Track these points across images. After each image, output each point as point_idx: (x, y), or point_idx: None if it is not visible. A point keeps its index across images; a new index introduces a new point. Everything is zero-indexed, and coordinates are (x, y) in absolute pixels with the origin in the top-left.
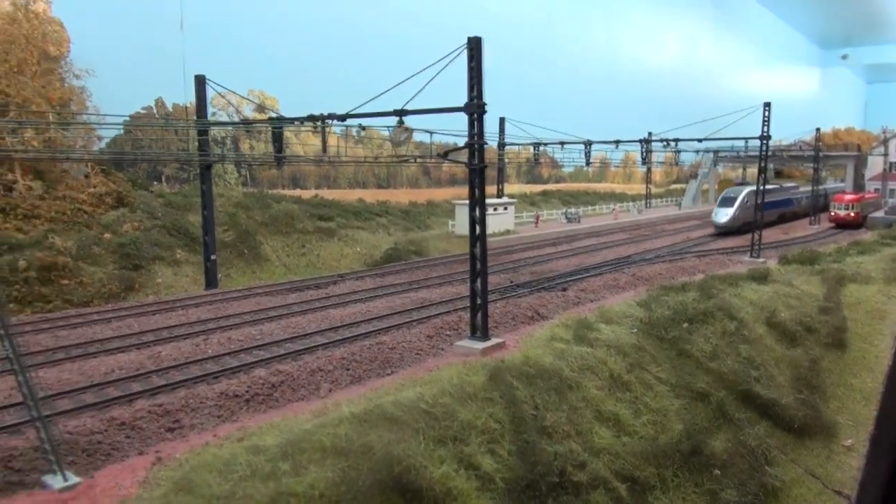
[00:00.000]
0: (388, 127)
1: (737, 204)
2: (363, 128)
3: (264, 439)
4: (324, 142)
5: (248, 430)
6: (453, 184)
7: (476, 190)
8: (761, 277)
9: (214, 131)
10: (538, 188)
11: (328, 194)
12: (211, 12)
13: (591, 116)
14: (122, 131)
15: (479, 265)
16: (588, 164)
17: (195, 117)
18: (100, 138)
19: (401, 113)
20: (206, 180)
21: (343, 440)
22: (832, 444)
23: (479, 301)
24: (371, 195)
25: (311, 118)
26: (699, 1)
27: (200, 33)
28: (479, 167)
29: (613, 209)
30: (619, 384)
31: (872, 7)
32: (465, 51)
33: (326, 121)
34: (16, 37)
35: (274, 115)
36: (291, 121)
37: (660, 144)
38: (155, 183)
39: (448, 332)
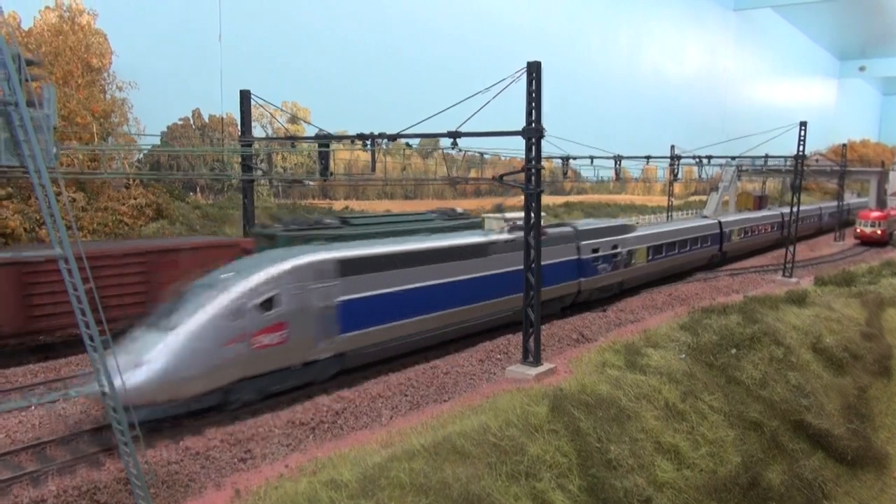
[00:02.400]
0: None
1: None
2: (409, 146)
3: (340, 473)
4: (373, 160)
5: (319, 461)
6: (478, 195)
7: (532, 214)
8: (800, 300)
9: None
10: (560, 199)
11: (357, 205)
12: (250, 24)
13: (614, 127)
14: (159, 142)
15: (532, 291)
16: (618, 177)
17: (238, 130)
18: (140, 150)
19: (455, 135)
20: (247, 195)
21: (420, 476)
22: (884, 476)
23: (531, 326)
24: (398, 206)
25: (361, 136)
26: (720, 13)
27: (238, 45)
28: (536, 192)
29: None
30: (674, 413)
31: (891, 20)
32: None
33: (377, 140)
34: (62, 49)
35: (307, 126)
36: (339, 138)
37: (689, 159)
38: (191, 194)
39: (498, 356)
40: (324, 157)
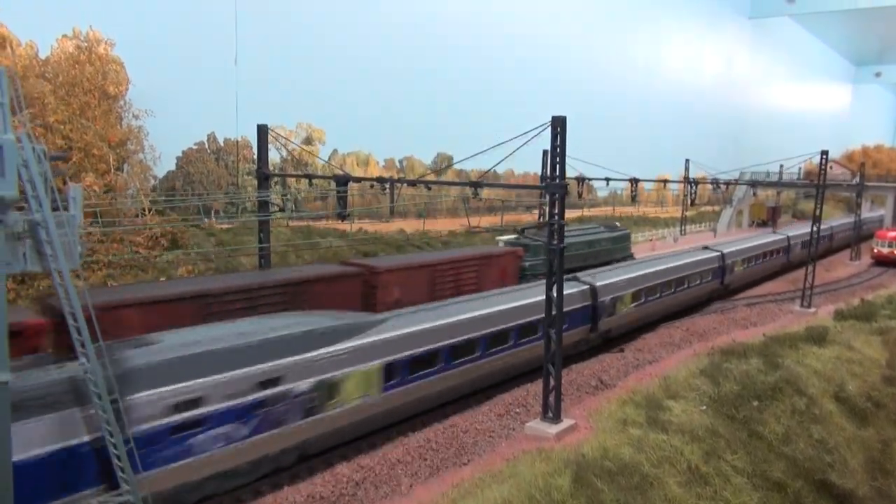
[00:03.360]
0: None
1: None
2: (429, 188)
3: None
4: (392, 201)
5: None
6: (491, 211)
7: (554, 269)
8: (820, 338)
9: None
10: (574, 213)
11: (370, 226)
12: (265, 47)
13: (631, 135)
14: (174, 166)
15: (553, 346)
16: (634, 199)
17: (252, 153)
18: (155, 178)
19: (476, 184)
20: (264, 229)
21: None
22: None
23: (552, 382)
24: (410, 225)
25: (380, 180)
26: (736, 21)
27: (253, 68)
28: (559, 248)
29: (651, 239)
30: (697, 477)
31: None
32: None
33: (396, 183)
34: (79, 80)
35: (321, 146)
36: (358, 179)
37: (705, 180)
38: (205, 220)
39: (517, 410)
40: (341, 197)
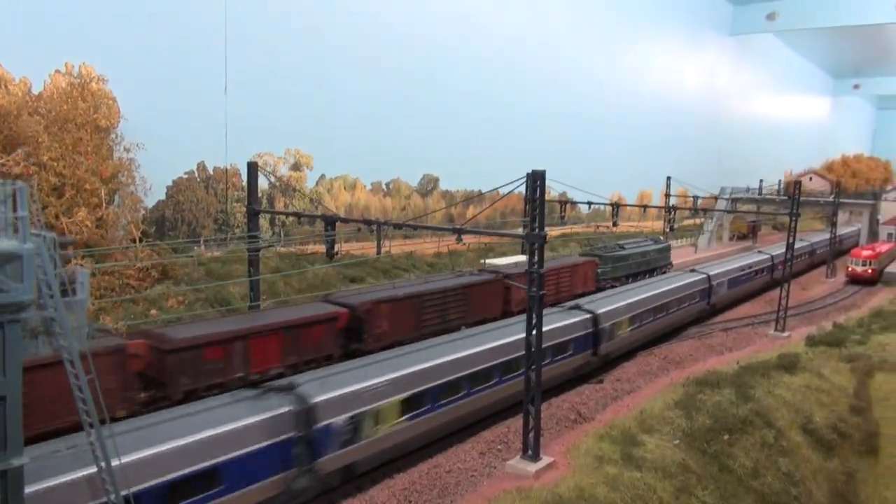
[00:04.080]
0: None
1: None
2: (414, 228)
3: None
4: (378, 245)
5: None
6: (477, 233)
7: (534, 316)
8: (791, 366)
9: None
10: (557, 231)
11: (357, 248)
12: (254, 76)
13: (615, 150)
14: (164, 196)
15: (532, 386)
16: (615, 224)
17: (242, 180)
18: (145, 208)
19: (459, 231)
20: (254, 264)
21: None
22: None
23: (531, 422)
24: (396, 247)
25: (367, 221)
26: (719, 37)
27: (243, 96)
28: (538, 295)
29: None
30: None
31: (883, 41)
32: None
33: (382, 225)
34: (72, 116)
35: (308, 172)
36: (346, 220)
37: (685, 199)
38: (194, 248)
39: (499, 447)
40: (329, 239)
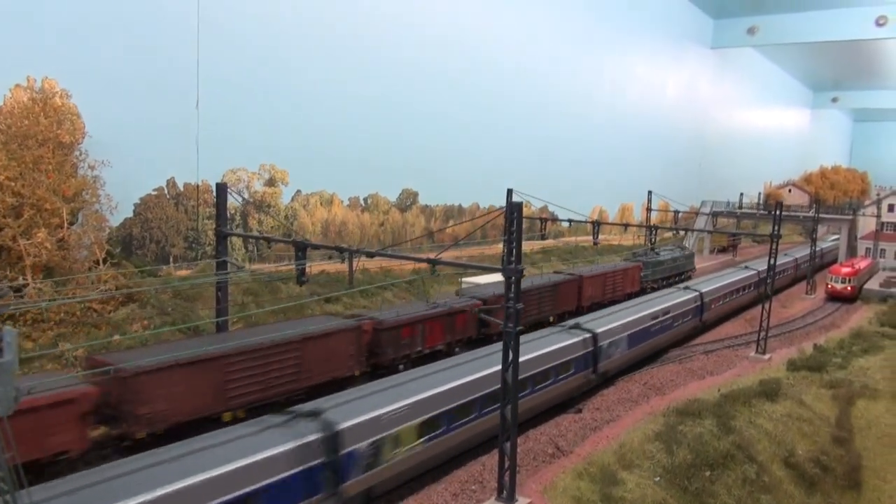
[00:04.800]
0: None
1: None
2: (389, 254)
3: None
4: (350, 273)
5: None
6: (457, 247)
7: (510, 353)
8: (772, 393)
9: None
10: (538, 245)
11: (331, 267)
12: (227, 89)
13: (597, 163)
14: (131, 213)
15: (508, 426)
16: (595, 243)
17: (213, 197)
18: (110, 228)
19: (432, 262)
20: (222, 289)
21: None
22: None
23: (507, 462)
24: (375, 263)
25: (338, 248)
26: (700, 50)
27: (215, 110)
28: (514, 331)
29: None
30: None
31: (861, 56)
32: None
33: (354, 253)
34: (33, 132)
35: (284, 187)
36: (316, 246)
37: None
38: (163, 267)
39: (473, 487)
40: (300, 265)
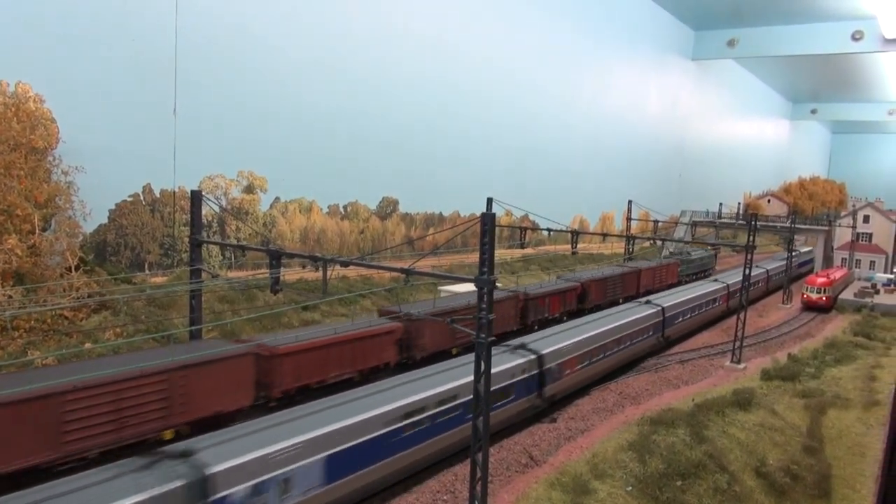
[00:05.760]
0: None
1: None
2: (364, 263)
3: None
4: (325, 283)
5: None
6: (436, 254)
7: (483, 365)
8: (745, 403)
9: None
10: (518, 253)
11: (310, 275)
12: (205, 95)
13: (578, 173)
14: (106, 219)
15: (480, 437)
16: (574, 253)
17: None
18: (84, 234)
19: (407, 272)
20: (195, 297)
21: None
22: None
23: (478, 473)
24: (354, 271)
25: (313, 257)
26: (681, 62)
27: (193, 116)
28: (487, 343)
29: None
30: None
31: (838, 71)
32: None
33: (329, 262)
34: (5, 137)
35: (262, 194)
36: (291, 255)
37: (644, 224)
38: (137, 273)
39: (445, 497)
40: (274, 273)
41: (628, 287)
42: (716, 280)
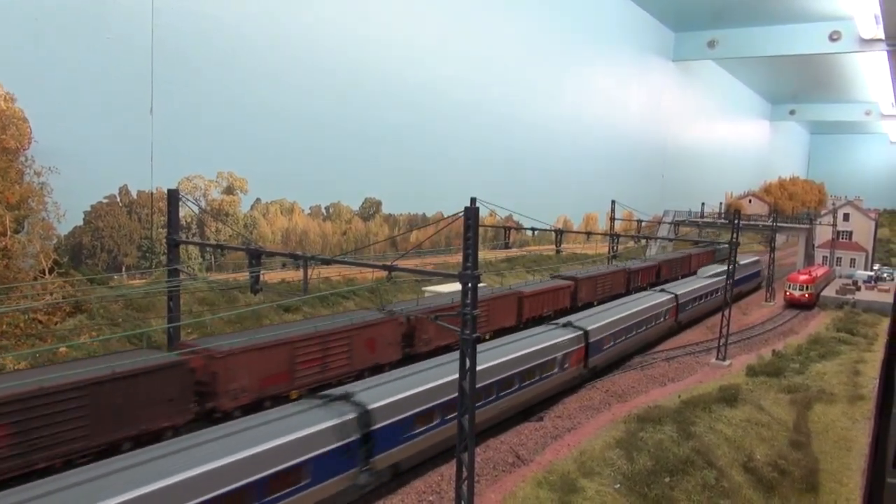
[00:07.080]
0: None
1: None
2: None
3: None
4: (305, 281)
5: None
6: (420, 255)
7: (468, 361)
8: (731, 399)
9: (180, 215)
10: (503, 254)
11: (292, 275)
12: (183, 95)
13: (561, 173)
14: (81, 221)
15: (465, 439)
16: (558, 251)
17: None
18: (58, 236)
19: (390, 268)
20: (173, 298)
21: None
22: None
23: (464, 472)
24: (336, 272)
25: (293, 255)
26: (662, 63)
27: (170, 116)
28: (471, 338)
29: None
30: None
31: (816, 71)
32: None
33: (309, 260)
34: None
35: (243, 196)
36: (272, 253)
37: (628, 223)
38: (115, 276)
39: (431, 498)
40: (253, 272)
41: (683, 267)
42: (568, 325)
